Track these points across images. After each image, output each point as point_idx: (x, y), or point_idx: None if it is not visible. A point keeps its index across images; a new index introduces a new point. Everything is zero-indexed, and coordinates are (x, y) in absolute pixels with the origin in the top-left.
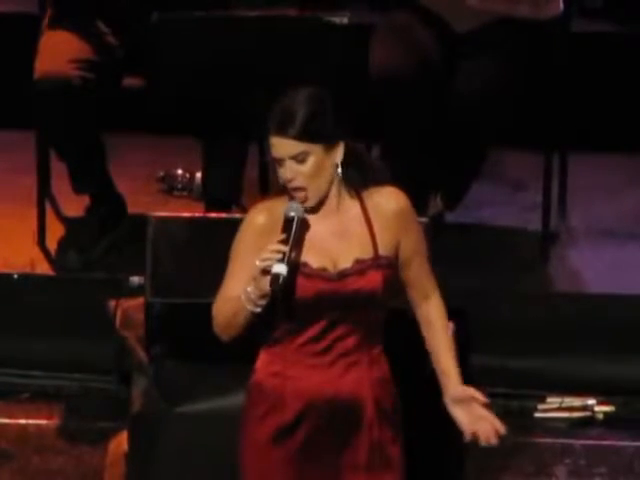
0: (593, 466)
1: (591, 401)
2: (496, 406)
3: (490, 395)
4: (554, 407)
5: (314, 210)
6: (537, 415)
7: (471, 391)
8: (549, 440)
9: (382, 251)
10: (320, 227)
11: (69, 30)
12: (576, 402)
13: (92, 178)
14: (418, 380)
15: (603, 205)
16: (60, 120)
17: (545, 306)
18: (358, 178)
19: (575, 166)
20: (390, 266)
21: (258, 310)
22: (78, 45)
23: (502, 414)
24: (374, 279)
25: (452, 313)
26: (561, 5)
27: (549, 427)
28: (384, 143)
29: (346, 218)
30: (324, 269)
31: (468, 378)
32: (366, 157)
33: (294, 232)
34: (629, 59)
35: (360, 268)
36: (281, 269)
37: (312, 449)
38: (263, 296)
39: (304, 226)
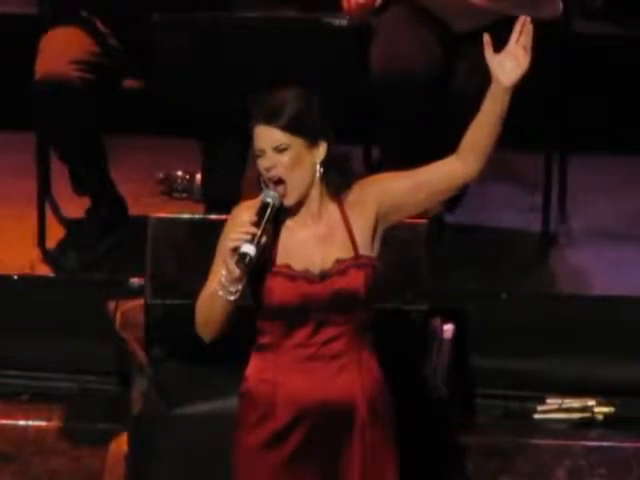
0: (593, 467)
1: (591, 402)
2: (496, 407)
3: (490, 396)
4: (554, 408)
5: (296, 213)
6: (537, 416)
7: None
8: (549, 441)
9: (362, 250)
10: (302, 231)
11: (69, 31)
12: (576, 403)
13: (93, 179)
14: (417, 381)
15: (603, 206)
16: (60, 121)
17: (545, 307)
18: (339, 181)
19: (575, 166)
20: (371, 265)
21: (231, 298)
22: (79, 46)
23: (502, 415)
24: (355, 278)
25: (452, 314)
26: (561, 5)
27: (549, 428)
28: (384, 144)
29: (327, 222)
30: (307, 271)
31: (468, 379)
32: (348, 162)
33: (267, 217)
34: (629, 60)
35: (341, 268)
36: (249, 249)
37: (305, 455)
38: (233, 280)
39: (279, 216)
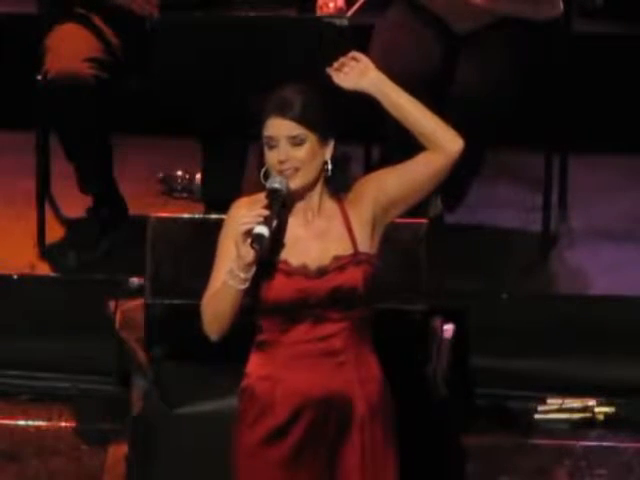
0: (593, 467)
1: (591, 402)
2: (496, 407)
3: (490, 396)
4: (554, 408)
5: (295, 210)
6: (537, 416)
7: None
8: (549, 441)
9: (361, 248)
10: (301, 227)
11: (75, 29)
12: (576, 403)
13: (100, 178)
14: (417, 380)
15: (603, 206)
16: (75, 119)
17: (545, 307)
18: (342, 181)
19: (575, 166)
20: (370, 262)
21: (241, 287)
22: (88, 44)
23: (503, 415)
24: (354, 275)
25: (452, 314)
26: (562, 5)
27: (549, 428)
28: (384, 144)
29: (326, 218)
30: (304, 266)
31: (468, 379)
32: (348, 162)
33: (277, 202)
34: (629, 59)
35: (339, 265)
36: (262, 230)
37: (304, 452)
38: (245, 266)
39: (287, 203)
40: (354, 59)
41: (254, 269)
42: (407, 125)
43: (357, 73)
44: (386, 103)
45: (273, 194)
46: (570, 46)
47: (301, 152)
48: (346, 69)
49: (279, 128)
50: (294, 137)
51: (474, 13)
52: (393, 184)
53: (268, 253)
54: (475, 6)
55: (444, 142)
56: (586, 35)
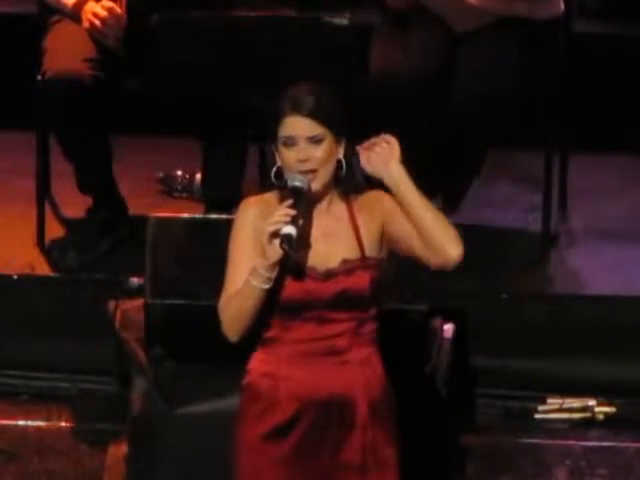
0: (593, 467)
1: (591, 402)
2: (496, 407)
3: (490, 396)
4: (554, 408)
5: None
6: (537, 416)
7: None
8: (549, 441)
9: (369, 252)
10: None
11: (74, 29)
12: (576, 403)
13: (99, 178)
14: (417, 380)
15: (603, 206)
16: (72, 119)
17: (545, 307)
18: (352, 182)
19: (575, 166)
20: (377, 267)
21: (265, 286)
22: (86, 44)
23: (503, 415)
24: (362, 279)
25: (452, 313)
26: (561, 5)
27: (549, 428)
28: None
29: (335, 220)
30: (312, 268)
31: (468, 379)
32: (355, 165)
33: (301, 200)
34: (629, 59)
35: (347, 268)
36: (290, 230)
37: (306, 449)
38: (270, 266)
39: (310, 199)
40: (386, 141)
41: (276, 270)
42: (413, 222)
43: (382, 161)
44: (399, 196)
45: (296, 193)
46: (570, 46)
47: (320, 151)
48: (377, 149)
49: (297, 128)
50: (314, 136)
51: (474, 13)
52: (396, 227)
53: (295, 252)
54: (472, 6)
55: (444, 248)
56: (586, 35)
